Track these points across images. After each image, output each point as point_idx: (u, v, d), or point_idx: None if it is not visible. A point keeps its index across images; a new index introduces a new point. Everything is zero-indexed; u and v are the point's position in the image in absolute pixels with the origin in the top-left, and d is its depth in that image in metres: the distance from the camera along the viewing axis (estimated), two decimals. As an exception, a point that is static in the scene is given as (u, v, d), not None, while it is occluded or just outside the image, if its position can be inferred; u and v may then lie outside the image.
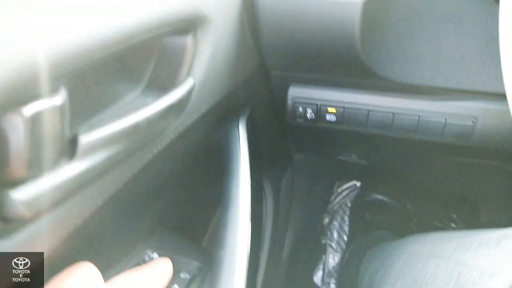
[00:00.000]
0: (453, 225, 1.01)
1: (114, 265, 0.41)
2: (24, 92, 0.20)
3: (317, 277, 0.99)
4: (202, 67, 0.37)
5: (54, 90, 0.22)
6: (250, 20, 0.44)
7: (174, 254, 0.44)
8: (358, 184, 1.04)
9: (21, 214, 0.21)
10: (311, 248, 0.99)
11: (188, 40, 0.34)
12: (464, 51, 0.47)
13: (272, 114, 0.59)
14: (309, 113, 0.54)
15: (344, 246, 1.01)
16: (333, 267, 0.99)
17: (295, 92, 0.53)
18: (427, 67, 0.48)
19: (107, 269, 0.39)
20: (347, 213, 1.04)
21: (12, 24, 0.18)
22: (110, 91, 0.31)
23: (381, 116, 0.52)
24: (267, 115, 0.59)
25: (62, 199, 0.24)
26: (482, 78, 0.47)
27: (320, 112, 0.54)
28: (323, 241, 1.02)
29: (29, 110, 0.21)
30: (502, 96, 0.48)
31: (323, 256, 1.00)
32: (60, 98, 0.22)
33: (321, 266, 1.00)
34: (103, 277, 0.28)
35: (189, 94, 0.34)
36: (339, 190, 1.05)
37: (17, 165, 0.21)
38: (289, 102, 0.54)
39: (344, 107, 0.53)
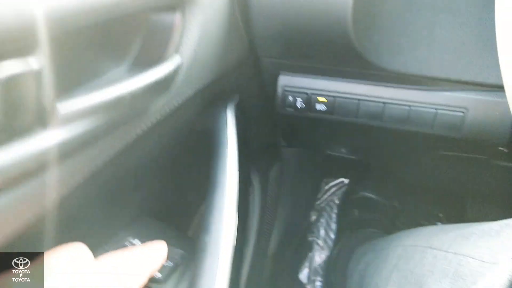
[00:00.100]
0: (439, 224, 1.02)
1: (92, 251, 0.39)
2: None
3: (303, 275, 0.98)
4: (190, 47, 0.35)
5: (31, 52, 0.20)
6: (240, 3, 0.43)
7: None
8: (346, 181, 1.04)
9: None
10: (297, 245, 0.98)
11: (176, 17, 0.33)
12: (456, 41, 0.47)
13: (261, 104, 0.58)
14: (299, 102, 0.53)
15: (331, 244, 1.00)
16: (319, 265, 0.99)
17: (285, 80, 0.52)
18: (419, 56, 0.47)
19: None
20: (335, 210, 1.03)
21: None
22: (94, 65, 0.29)
23: (371, 106, 0.51)
24: (256, 104, 0.58)
25: (37, 170, 0.23)
26: (473, 69, 0.47)
27: (310, 102, 0.53)
28: (310, 239, 1.01)
29: (2, 69, 0.19)
30: (493, 87, 0.48)
31: (309, 254, 1.00)
32: (38, 62, 0.21)
33: (307, 264, 0.99)
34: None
35: (175, 71, 0.33)
36: (326, 187, 1.04)
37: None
38: (279, 90, 0.53)
39: (334, 97, 0.52)
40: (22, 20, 0.19)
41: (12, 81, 0.20)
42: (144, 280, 0.30)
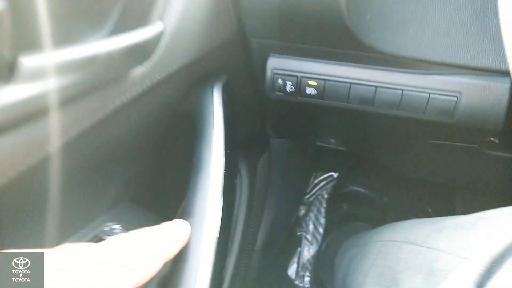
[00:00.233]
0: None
1: (68, 237, 0.36)
2: None
3: (291, 270, 0.96)
4: (175, 15, 0.33)
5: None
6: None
7: (140, 228, 0.40)
8: (335, 175, 1.02)
9: None
10: (285, 240, 0.96)
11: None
12: (450, 22, 0.46)
13: (249, 87, 0.56)
14: (289, 86, 0.51)
15: (319, 238, 0.99)
16: (308, 260, 0.97)
17: (274, 63, 0.50)
18: (412, 37, 0.46)
19: (59, 241, 0.35)
20: (324, 204, 1.02)
21: None
22: (70, 30, 0.27)
23: (363, 90, 0.50)
24: (244, 88, 0.56)
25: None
26: (468, 52, 0.46)
27: (300, 85, 0.51)
28: (298, 233, 0.99)
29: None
30: (487, 71, 0.47)
31: (298, 249, 0.98)
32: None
33: (295, 259, 0.97)
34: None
35: (157, 38, 0.31)
36: (315, 181, 1.03)
37: None
38: (268, 73, 0.51)
39: (325, 80, 0.50)
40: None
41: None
42: (156, 267, 0.27)
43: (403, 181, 0.98)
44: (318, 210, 1.02)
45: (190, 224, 0.32)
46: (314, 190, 1.03)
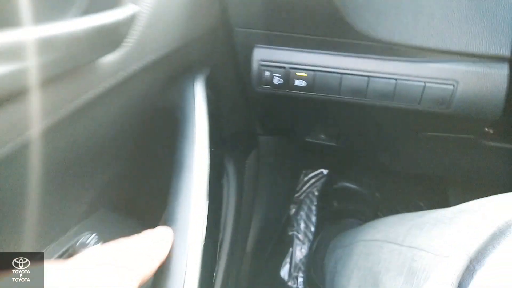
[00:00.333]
0: None
1: (38, 251, 0.33)
2: None
3: (284, 271, 0.94)
4: None
5: None
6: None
7: (119, 237, 0.37)
8: (325, 171, 1.00)
9: None
10: (277, 240, 0.94)
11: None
12: (445, 6, 0.43)
13: (235, 81, 0.52)
14: (277, 78, 0.48)
15: (311, 237, 0.96)
16: (300, 260, 0.95)
17: (261, 53, 0.47)
18: (406, 22, 0.43)
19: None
20: (314, 202, 0.99)
21: None
22: (31, 12, 0.24)
23: (355, 80, 0.47)
24: (229, 81, 0.52)
25: None
26: (463, 37, 0.44)
27: (288, 77, 0.48)
28: (290, 233, 0.97)
29: None
30: (484, 57, 0.44)
31: (290, 249, 0.96)
32: None
33: (288, 259, 0.95)
34: None
35: (130, 22, 0.27)
36: (305, 179, 1.00)
37: None
38: (254, 65, 0.48)
39: (315, 71, 0.47)
40: None
41: None
42: (151, 270, 0.26)
43: (395, 176, 0.96)
44: (309, 208, 0.99)
45: (173, 231, 0.29)
46: (304, 188, 1.00)
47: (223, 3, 0.42)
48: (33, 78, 0.21)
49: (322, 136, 0.71)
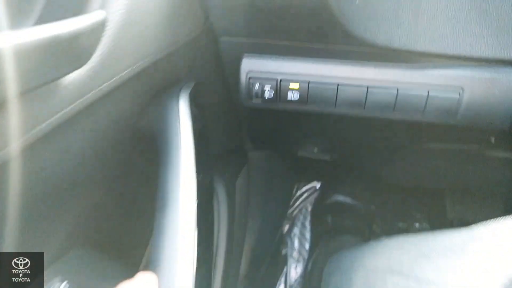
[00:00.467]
0: (417, 225, 0.98)
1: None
2: None
3: (279, 292, 0.88)
4: (121, 3, 0.25)
5: None
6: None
7: (96, 282, 0.32)
8: (318, 185, 0.96)
9: None
10: (270, 260, 0.89)
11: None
12: (447, 7, 0.40)
13: (222, 95, 0.48)
14: (268, 91, 0.44)
15: (306, 255, 0.92)
16: (296, 280, 0.90)
17: (250, 64, 0.43)
18: (406, 26, 0.40)
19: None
20: (308, 218, 0.95)
21: None
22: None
23: (352, 91, 0.43)
24: (216, 94, 0.48)
25: None
26: (468, 40, 0.40)
27: (280, 89, 0.44)
28: (283, 252, 0.92)
29: None
30: (491, 62, 0.41)
31: (285, 268, 0.91)
32: None
33: (282, 279, 0.90)
34: None
35: (96, 31, 0.23)
36: (298, 193, 0.96)
37: None
38: (243, 77, 0.43)
39: (309, 82, 0.43)
40: None
41: None
42: None
43: (390, 186, 0.93)
44: (303, 225, 0.95)
45: (158, 278, 0.24)
46: (297, 203, 0.96)
47: (205, 8, 0.38)
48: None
49: (316, 149, 0.67)
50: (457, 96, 0.42)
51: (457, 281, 0.35)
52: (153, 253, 0.26)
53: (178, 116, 0.34)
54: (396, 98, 0.43)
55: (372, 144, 0.60)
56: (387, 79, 0.43)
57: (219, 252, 0.60)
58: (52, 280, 0.30)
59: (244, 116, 0.54)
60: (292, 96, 0.44)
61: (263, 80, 0.44)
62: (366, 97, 0.44)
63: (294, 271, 0.90)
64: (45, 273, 0.32)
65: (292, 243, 0.93)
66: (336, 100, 0.44)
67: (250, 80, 0.44)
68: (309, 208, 0.96)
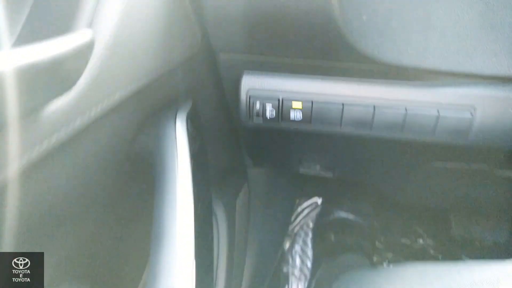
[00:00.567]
0: (421, 241, 0.96)
1: None
2: None
3: (280, 313, 0.85)
4: (111, 20, 0.23)
5: None
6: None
7: None
8: (319, 201, 0.93)
9: None
10: (272, 278, 0.86)
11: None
12: (457, 23, 0.38)
13: (221, 113, 0.46)
14: (269, 111, 0.42)
15: (308, 273, 0.89)
16: (297, 299, 0.87)
17: (250, 82, 0.41)
18: (415, 43, 0.38)
19: None
20: (310, 235, 0.93)
21: None
22: None
23: (359, 110, 0.41)
24: (214, 113, 0.46)
25: None
26: (479, 58, 0.38)
27: (282, 109, 0.42)
28: (285, 270, 0.89)
29: None
30: (504, 80, 0.39)
31: (286, 286, 0.88)
32: None
33: (283, 299, 0.87)
34: None
35: (82, 54, 0.20)
36: (299, 210, 0.94)
37: None
38: (243, 95, 0.41)
39: (312, 101, 0.41)
40: None
41: None
42: None
43: (394, 203, 0.90)
44: (304, 242, 0.92)
45: None
46: (298, 219, 0.94)
47: (201, 24, 0.36)
48: None
49: (318, 167, 0.65)
50: (469, 115, 0.40)
51: None
52: (149, 278, 0.24)
53: (175, 140, 0.32)
54: (404, 118, 0.41)
55: (376, 162, 0.58)
56: (395, 98, 0.41)
57: (219, 274, 0.58)
58: None
59: (244, 134, 0.52)
60: (295, 116, 0.42)
61: (264, 99, 0.41)
62: (373, 117, 0.41)
63: (296, 289, 0.88)
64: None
65: (294, 261, 0.90)
66: (341, 120, 0.42)
67: (251, 99, 0.42)
68: (311, 225, 0.93)
